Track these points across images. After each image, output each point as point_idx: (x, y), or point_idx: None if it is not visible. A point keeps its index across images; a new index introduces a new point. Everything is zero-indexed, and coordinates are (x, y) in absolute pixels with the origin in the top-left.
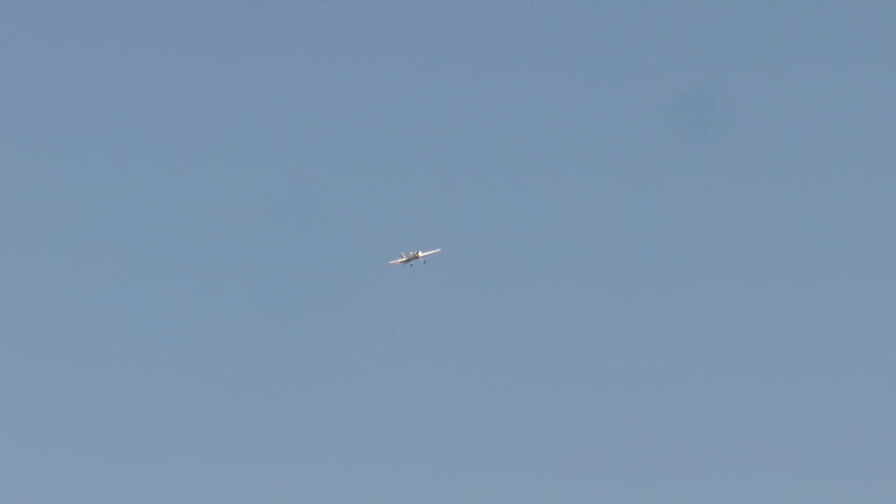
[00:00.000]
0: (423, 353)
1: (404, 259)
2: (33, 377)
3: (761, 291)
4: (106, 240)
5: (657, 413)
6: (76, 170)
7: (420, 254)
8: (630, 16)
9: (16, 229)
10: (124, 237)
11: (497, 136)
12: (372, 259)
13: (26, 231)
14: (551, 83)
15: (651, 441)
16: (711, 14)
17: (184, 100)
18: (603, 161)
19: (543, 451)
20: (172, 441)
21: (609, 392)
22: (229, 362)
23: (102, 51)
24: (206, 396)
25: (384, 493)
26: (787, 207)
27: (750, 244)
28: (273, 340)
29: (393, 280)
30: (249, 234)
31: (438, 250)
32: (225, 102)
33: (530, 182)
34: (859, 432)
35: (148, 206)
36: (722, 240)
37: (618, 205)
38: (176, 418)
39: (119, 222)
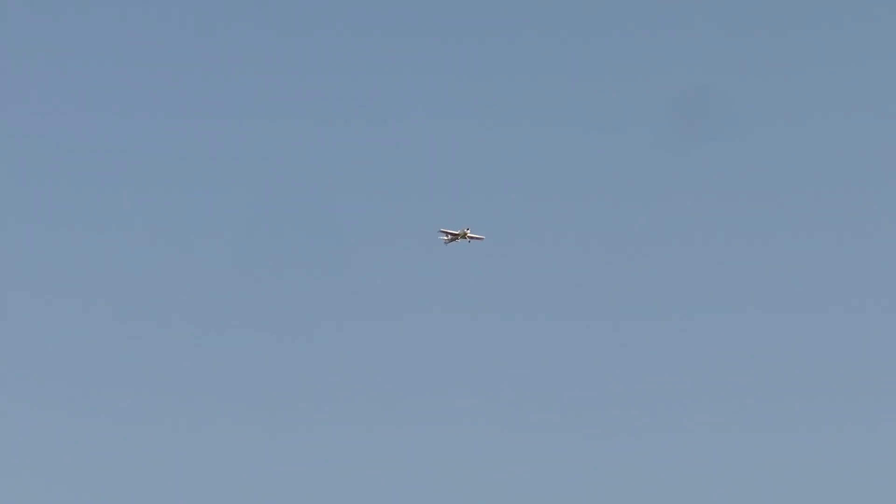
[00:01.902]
0: (423, 354)
1: (453, 234)
2: (29, 374)
3: (762, 293)
4: (103, 239)
5: (656, 412)
6: (75, 171)
7: (468, 232)
8: (630, 15)
9: (14, 229)
10: (124, 238)
11: (496, 137)
12: (370, 260)
13: (24, 231)
14: (552, 82)
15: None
16: (712, 14)
17: (183, 101)
18: (601, 161)
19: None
20: (169, 441)
21: (610, 387)
22: (228, 363)
23: (100, 52)
24: (205, 398)
25: (385, 492)
26: (787, 208)
27: (751, 246)
28: (272, 341)
29: (394, 280)
30: (250, 236)
31: (483, 237)
32: (225, 104)
33: (529, 182)
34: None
35: (147, 208)
36: (722, 240)
37: (617, 204)
38: (172, 418)
39: (118, 222)
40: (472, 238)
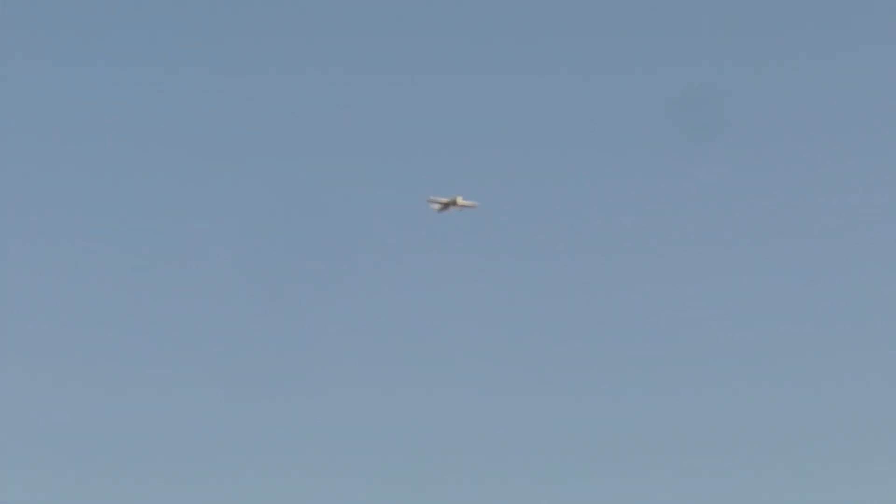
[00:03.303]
0: (425, 356)
1: (443, 202)
2: (34, 382)
3: (763, 293)
4: (107, 245)
5: (656, 410)
6: (76, 174)
7: (459, 200)
8: (630, 14)
9: (13, 236)
10: (126, 242)
11: (496, 136)
12: (370, 259)
13: (26, 238)
14: (551, 81)
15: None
16: (712, 14)
17: (185, 103)
18: (602, 160)
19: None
20: (175, 449)
21: (607, 393)
22: (233, 370)
23: (101, 51)
24: (209, 402)
25: (384, 475)
26: (786, 209)
27: (751, 246)
28: (276, 346)
29: (394, 282)
30: (253, 239)
31: (476, 204)
32: (228, 105)
33: (528, 181)
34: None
35: (149, 210)
36: (722, 241)
37: (617, 204)
38: (178, 425)
39: (121, 227)
40: (463, 205)
